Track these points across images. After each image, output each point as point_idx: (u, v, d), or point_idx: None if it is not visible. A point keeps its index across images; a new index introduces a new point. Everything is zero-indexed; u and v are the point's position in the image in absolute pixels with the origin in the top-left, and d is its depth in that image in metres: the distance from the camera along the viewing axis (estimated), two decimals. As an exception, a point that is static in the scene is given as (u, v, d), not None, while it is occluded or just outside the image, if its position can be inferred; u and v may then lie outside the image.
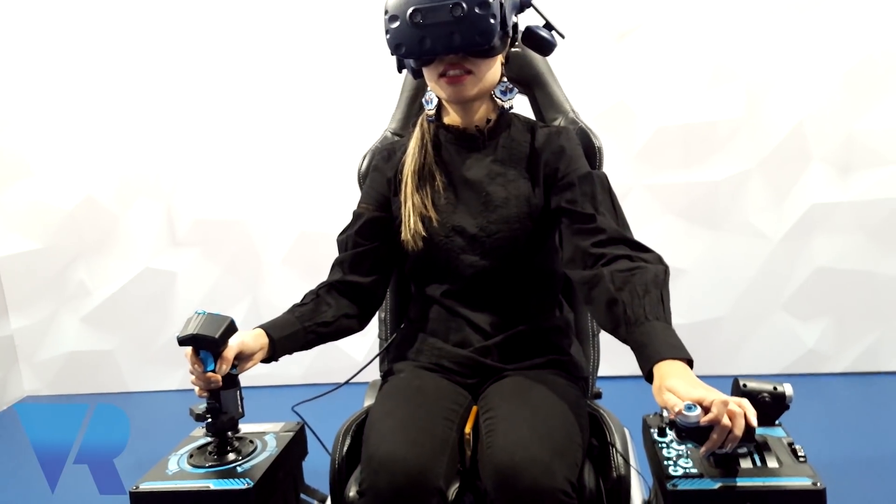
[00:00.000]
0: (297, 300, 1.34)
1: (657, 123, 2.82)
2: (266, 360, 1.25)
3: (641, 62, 2.80)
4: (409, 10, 1.13)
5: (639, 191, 2.88)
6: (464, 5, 1.10)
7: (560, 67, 2.76)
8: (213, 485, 1.10)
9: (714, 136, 2.80)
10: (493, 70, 1.25)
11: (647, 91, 2.81)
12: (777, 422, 1.13)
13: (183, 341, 1.12)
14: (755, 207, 2.84)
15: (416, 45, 1.15)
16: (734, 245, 2.87)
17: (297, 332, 1.27)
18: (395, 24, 1.15)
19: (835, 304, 2.86)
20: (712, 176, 2.83)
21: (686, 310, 2.91)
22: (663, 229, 2.89)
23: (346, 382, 1.44)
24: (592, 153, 1.47)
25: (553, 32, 1.29)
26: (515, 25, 1.27)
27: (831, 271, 2.83)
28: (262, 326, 1.25)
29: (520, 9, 1.24)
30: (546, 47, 1.29)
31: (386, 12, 1.17)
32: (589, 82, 2.82)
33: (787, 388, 1.05)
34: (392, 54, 1.21)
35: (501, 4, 1.15)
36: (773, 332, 2.91)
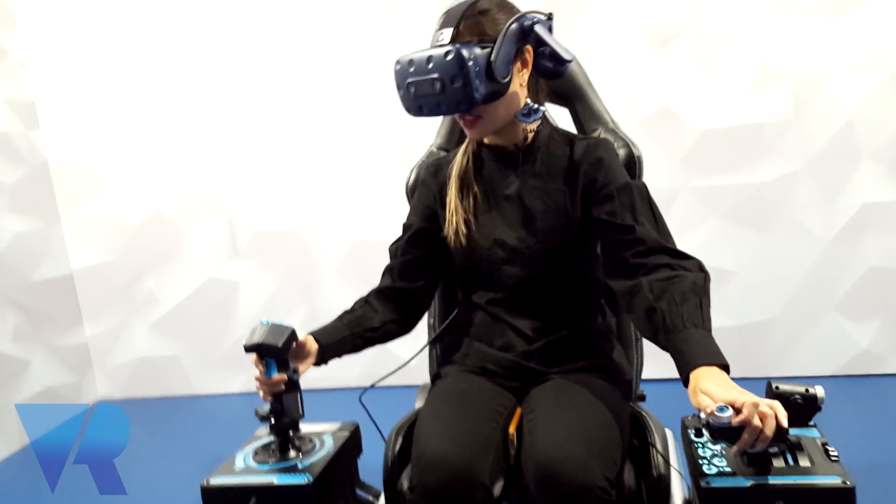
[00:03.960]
0: (349, 306, 1.43)
1: (703, 126, 2.82)
2: (316, 364, 1.33)
3: (686, 66, 2.81)
4: (406, 82, 1.24)
5: (686, 194, 2.89)
6: (442, 81, 1.19)
7: (605, 74, 2.82)
8: (276, 480, 1.19)
9: (761, 138, 2.79)
10: (506, 104, 1.28)
11: (692, 95, 2.82)
12: (812, 423, 1.15)
13: (249, 349, 1.22)
14: (805, 208, 2.81)
15: (416, 109, 1.27)
16: (784, 246, 2.85)
17: (345, 337, 1.36)
18: (401, 92, 1.27)
19: (888, 304, 2.82)
20: (760, 177, 2.82)
21: (737, 312, 2.91)
22: (711, 232, 2.89)
23: (393, 372, 1.53)
24: (632, 163, 1.50)
25: (559, 56, 1.27)
26: (528, 50, 1.27)
27: (884, 271, 2.79)
28: (311, 333, 1.33)
29: (523, 37, 1.25)
30: (551, 74, 1.31)
31: None
32: (634, 88, 2.85)
33: (819, 391, 1.08)
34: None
35: (489, 58, 1.19)
36: (825, 333, 2.88)
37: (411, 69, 1.22)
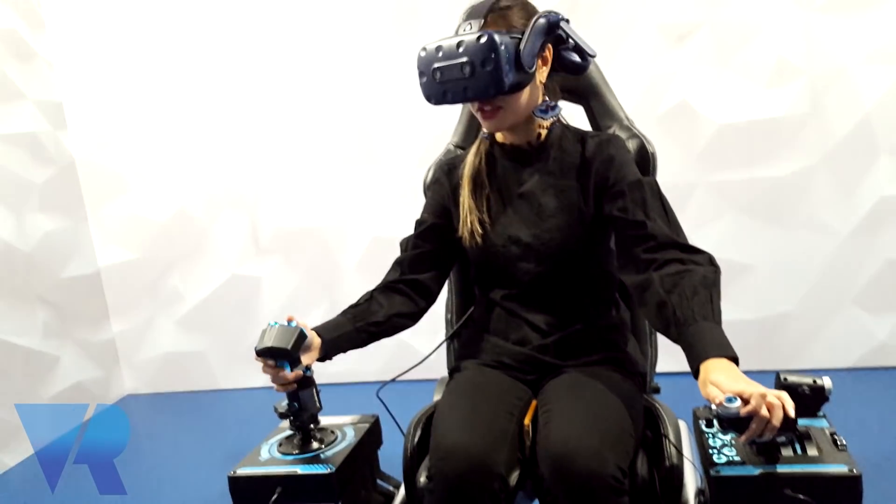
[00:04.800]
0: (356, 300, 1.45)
1: (720, 121, 2.83)
2: (320, 359, 1.34)
3: (703, 61, 2.81)
4: (431, 69, 1.26)
5: (703, 189, 2.89)
6: (472, 65, 1.21)
7: (622, 70, 2.83)
8: (300, 470, 1.23)
9: (778, 132, 2.79)
10: (526, 98, 1.31)
11: (709, 90, 2.83)
12: (822, 413, 1.17)
13: (261, 353, 1.26)
14: (822, 202, 2.81)
15: (440, 96, 1.28)
16: (802, 240, 2.85)
17: (349, 332, 1.37)
18: (424, 80, 1.29)
19: (907, 298, 2.81)
20: (778, 172, 2.82)
21: (754, 306, 2.91)
22: (729, 227, 2.89)
23: (411, 368, 1.54)
24: (646, 159, 1.51)
25: (584, 52, 1.32)
26: (549, 48, 1.31)
27: (903, 264, 2.78)
28: (315, 328, 1.35)
29: (548, 32, 1.28)
30: (575, 69, 1.34)
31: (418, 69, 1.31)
32: (651, 83, 2.86)
33: (826, 382, 1.09)
34: (427, 102, 1.33)
35: (518, 46, 1.23)
36: (843, 326, 2.88)
37: (439, 54, 1.25)
